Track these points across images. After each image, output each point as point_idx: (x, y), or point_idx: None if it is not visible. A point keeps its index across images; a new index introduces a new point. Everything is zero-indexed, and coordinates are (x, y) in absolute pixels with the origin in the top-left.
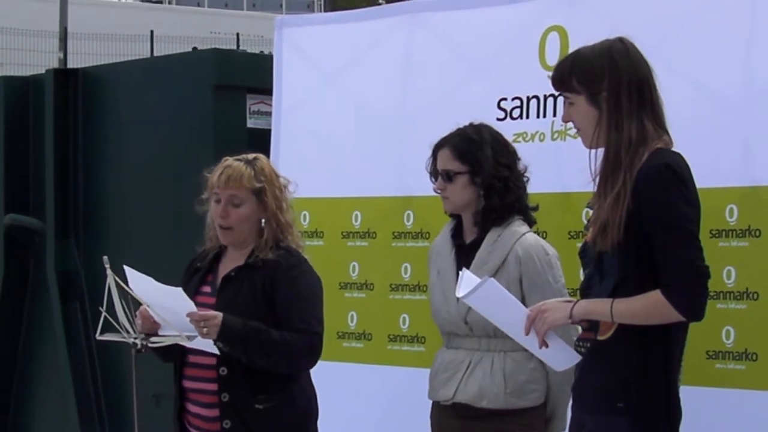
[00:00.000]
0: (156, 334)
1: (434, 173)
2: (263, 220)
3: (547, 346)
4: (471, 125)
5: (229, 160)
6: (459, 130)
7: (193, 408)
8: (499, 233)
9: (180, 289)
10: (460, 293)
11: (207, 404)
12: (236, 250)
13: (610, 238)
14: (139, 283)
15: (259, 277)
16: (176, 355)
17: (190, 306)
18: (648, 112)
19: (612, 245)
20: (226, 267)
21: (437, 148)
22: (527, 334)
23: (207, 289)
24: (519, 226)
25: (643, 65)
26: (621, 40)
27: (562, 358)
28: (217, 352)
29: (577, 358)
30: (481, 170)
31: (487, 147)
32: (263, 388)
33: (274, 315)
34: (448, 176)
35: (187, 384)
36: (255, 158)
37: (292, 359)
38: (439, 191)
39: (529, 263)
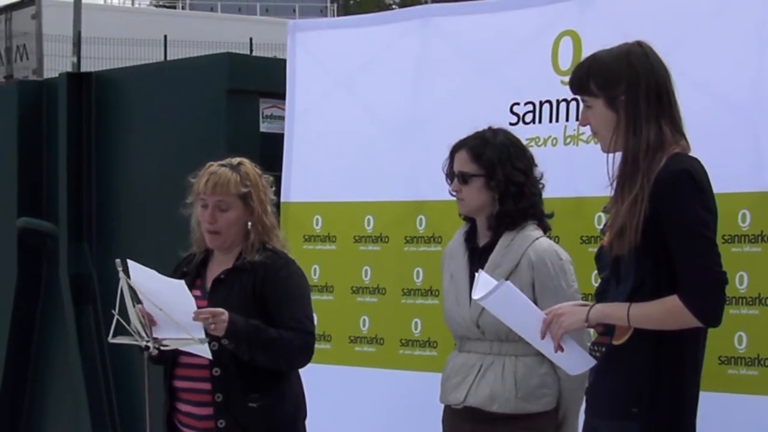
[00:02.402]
0: (167, 338)
1: (450, 175)
2: (249, 223)
3: (562, 350)
4: (490, 129)
5: (213, 166)
6: (477, 133)
7: (184, 407)
8: (512, 237)
9: (182, 282)
10: (476, 295)
11: (199, 403)
12: (223, 253)
13: (627, 243)
14: (142, 276)
15: (249, 279)
16: (168, 356)
17: (191, 300)
18: (666, 117)
19: (629, 250)
20: (213, 270)
21: (455, 150)
22: (543, 337)
23: (197, 293)
24: (532, 231)
25: (661, 69)
26: (639, 44)
27: (577, 362)
28: (209, 356)
29: (592, 362)
30: (497, 174)
31: (504, 151)
32: (255, 387)
33: (266, 316)
34: (464, 178)
35: (179, 384)
36: (239, 163)
37: (290, 356)
38: (454, 193)
39: (542, 268)
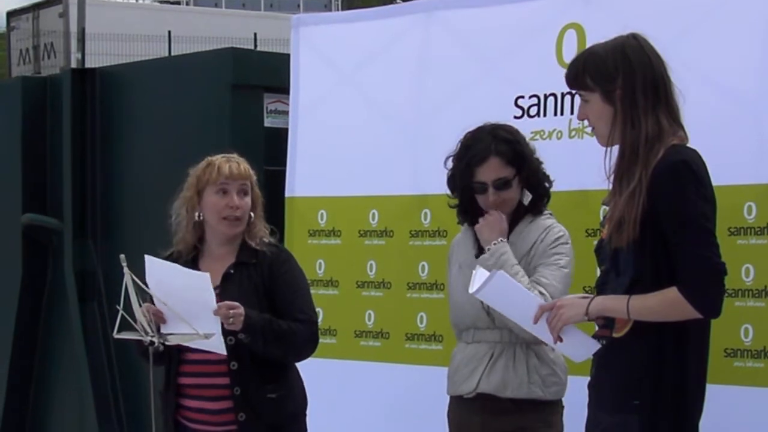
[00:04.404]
0: (172, 333)
1: (478, 186)
2: (252, 214)
3: (561, 340)
4: (493, 127)
5: (217, 157)
6: (492, 135)
7: (193, 403)
8: (526, 225)
9: (207, 275)
10: (471, 289)
11: (213, 398)
12: (221, 246)
13: (626, 235)
14: (160, 271)
15: (257, 273)
16: (174, 353)
17: (211, 294)
18: (663, 108)
19: (628, 242)
20: (210, 266)
21: (480, 161)
22: (535, 322)
23: None
24: (546, 219)
25: (657, 61)
26: (634, 36)
27: (580, 349)
28: (224, 352)
29: (597, 345)
30: (526, 167)
31: (524, 144)
32: (271, 378)
33: (274, 308)
34: (506, 183)
35: (188, 380)
36: (234, 156)
37: (299, 347)
38: (493, 202)
39: (546, 239)
